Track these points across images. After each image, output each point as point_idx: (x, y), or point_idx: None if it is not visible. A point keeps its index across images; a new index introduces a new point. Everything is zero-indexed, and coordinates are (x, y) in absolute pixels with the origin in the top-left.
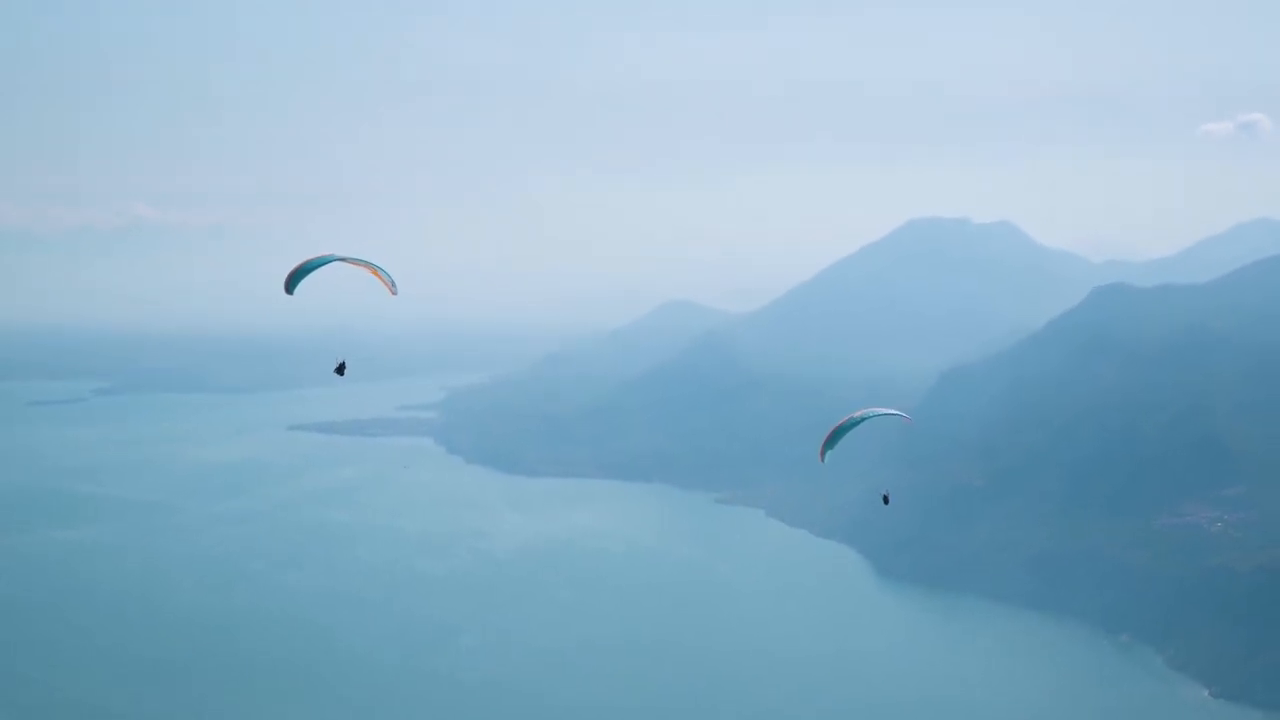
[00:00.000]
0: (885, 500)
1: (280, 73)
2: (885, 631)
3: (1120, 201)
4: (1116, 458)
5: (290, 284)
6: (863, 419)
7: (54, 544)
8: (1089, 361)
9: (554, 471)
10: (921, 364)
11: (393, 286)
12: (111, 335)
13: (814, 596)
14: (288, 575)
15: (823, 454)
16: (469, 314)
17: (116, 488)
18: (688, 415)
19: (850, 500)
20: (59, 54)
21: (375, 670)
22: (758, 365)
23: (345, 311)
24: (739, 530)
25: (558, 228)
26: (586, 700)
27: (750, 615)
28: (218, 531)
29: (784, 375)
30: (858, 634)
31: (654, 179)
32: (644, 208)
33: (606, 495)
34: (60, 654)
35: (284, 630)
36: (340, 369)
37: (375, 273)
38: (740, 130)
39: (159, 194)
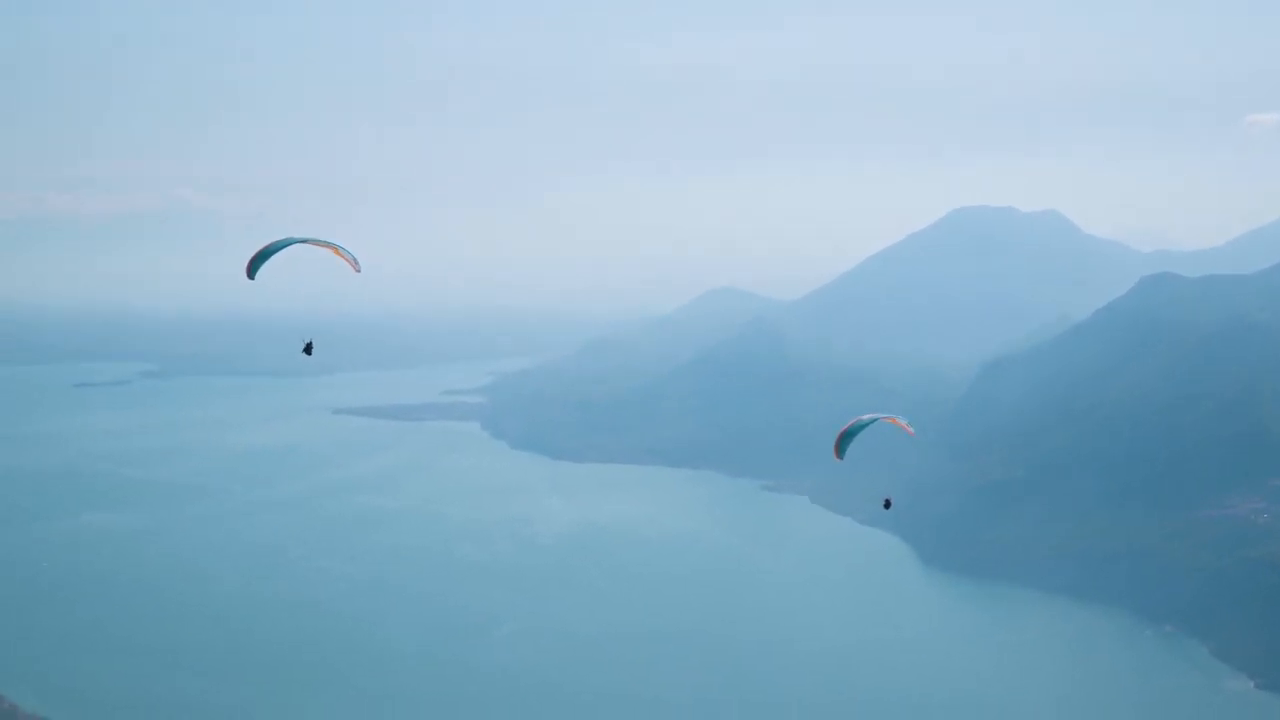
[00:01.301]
0: (887, 505)
1: (323, 66)
2: (928, 620)
3: (1167, 192)
4: (1161, 448)
5: (252, 268)
6: (871, 422)
7: (96, 528)
8: (1134, 351)
9: (599, 457)
10: (966, 353)
11: (355, 264)
12: (158, 319)
13: (856, 584)
14: (329, 561)
15: (838, 452)
16: (516, 301)
17: (160, 471)
18: (733, 402)
19: (894, 488)
20: (109, 42)
21: (412, 658)
22: (803, 352)
23: (392, 297)
24: (783, 517)
25: (606, 216)
26: (622, 690)
27: (792, 603)
28: (259, 517)
29: (829, 363)
30: (900, 622)
31: (700, 168)
32: (691, 196)
33: (651, 481)
34: (100, 639)
35: (323, 617)
36: (308, 349)
37: (337, 251)
38: (788, 119)
39: (204, 180)
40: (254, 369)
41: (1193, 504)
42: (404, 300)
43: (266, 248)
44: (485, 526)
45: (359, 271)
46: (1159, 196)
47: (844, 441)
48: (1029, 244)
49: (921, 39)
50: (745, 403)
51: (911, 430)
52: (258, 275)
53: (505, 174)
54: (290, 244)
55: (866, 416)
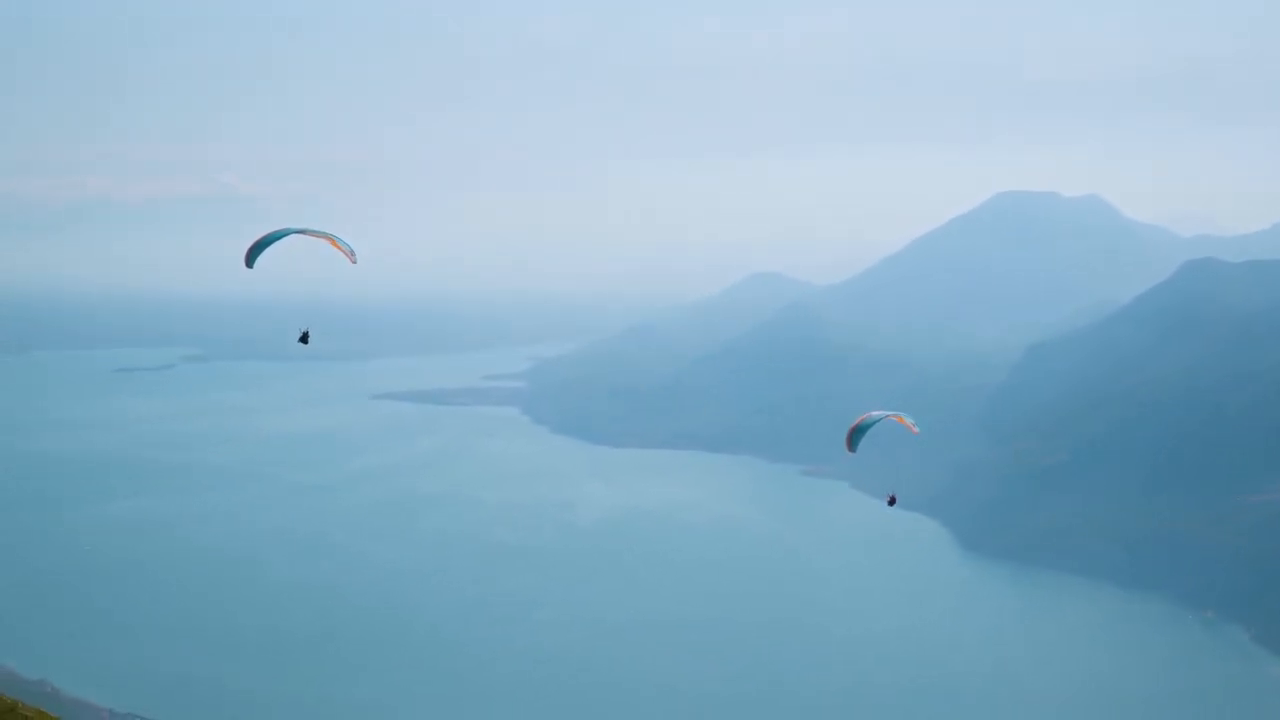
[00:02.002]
0: (891, 501)
1: (367, 50)
2: (967, 605)
3: (1210, 176)
4: (1202, 433)
5: (250, 258)
6: (880, 419)
7: (137, 512)
8: (1176, 336)
9: (639, 442)
10: (1008, 337)
11: (352, 255)
12: (201, 303)
13: (896, 570)
14: (370, 545)
15: (850, 446)
16: (556, 286)
17: (201, 456)
18: (774, 387)
19: (935, 473)
20: (153, 25)
21: (451, 642)
22: (844, 337)
23: (432, 282)
24: (822, 502)
25: (648, 201)
26: (660, 675)
27: (831, 589)
28: (301, 501)
29: (870, 347)
30: (939, 608)
31: (744, 153)
32: (735, 181)
33: (691, 466)
34: (141, 623)
35: (363, 601)
36: (304, 338)
37: (334, 243)
38: (833, 103)
39: (247, 164)
40: (295, 354)
41: (1234, 489)
42: (444, 285)
43: (264, 238)
44: (525, 511)
45: (355, 263)
46: (1202, 181)
47: (855, 436)
48: (1071, 229)
49: (967, 23)
50: (785, 388)
51: (916, 429)
52: (255, 264)
53: (547, 159)
54: (288, 234)
55: (876, 413)
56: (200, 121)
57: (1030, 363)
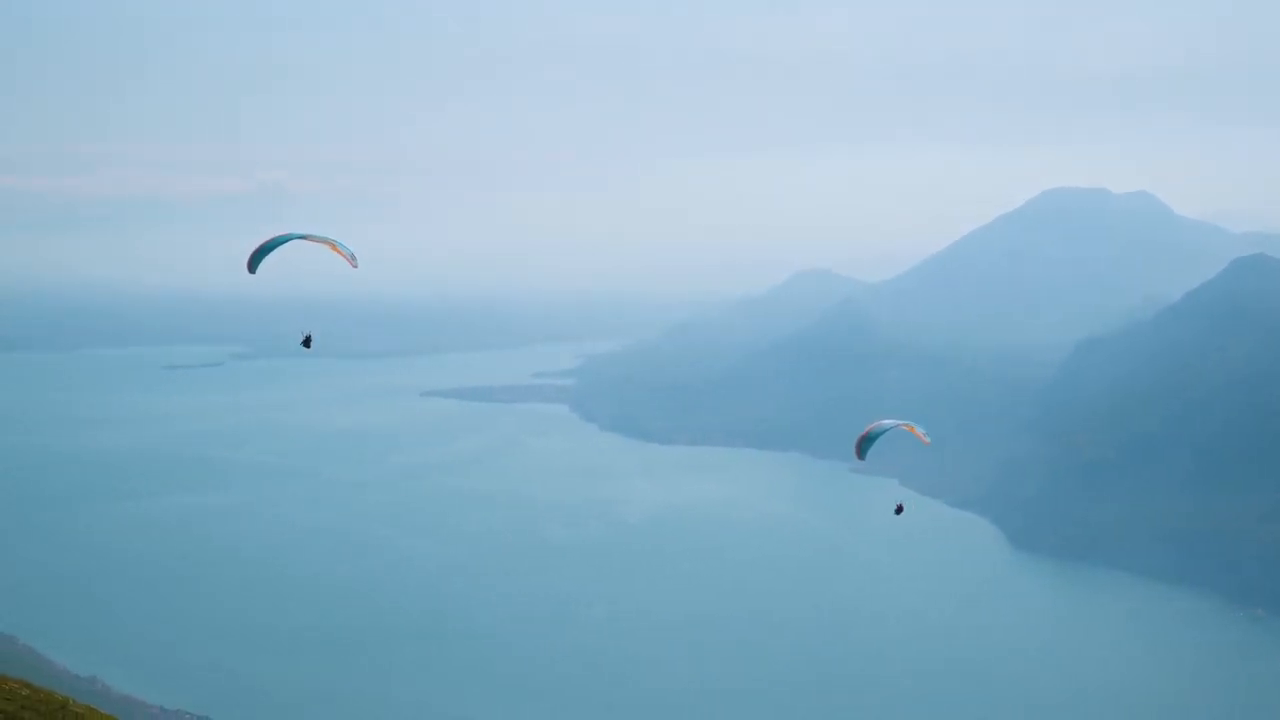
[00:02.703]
0: (898, 510)
1: (413, 47)
2: (1016, 603)
3: (1261, 172)
4: (1252, 431)
5: (253, 263)
6: (891, 428)
7: (186, 509)
8: (1227, 333)
9: (687, 439)
10: (1056, 335)
11: (353, 260)
12: (249, 301)
13: (945, 567)
14: (418, 542)
15: (860, 453)
16: (605, 283)
17: (249, 453)
18: (822, 383)
19: (984, 470)
20: (202, 25)
21: (500, 640)
22: (892, 334)
23: (485, 281)
24: (871, 500)
25: (697, 198)
26: (711, 673)
27: (880, 587)
28: (347, 498)
29: (918, 344)
30: (987, 606)
31: (793, 149)
32: (784, 177)
33: (740, 464)
34: (188, 619)
35: (411, 598)
36: (306, 341)
37: (334, 248)
38: (882, 100)
39: (295, 161)
40: (343, 351)
41: None
42: (492, 282)
43: (266, 244)
44: (573, 508)
45: (356, 267)
46: (1253, 177)
47: (865, 445)
48: (1120, 226)
49: (1015, 18)
50: (833, 385)
51: (927, 440)
52: (258, 269)
53: (596, 155)
54: (290, 239)
55: (887, 422)
56: (248, 119)
57: (1079, 359)
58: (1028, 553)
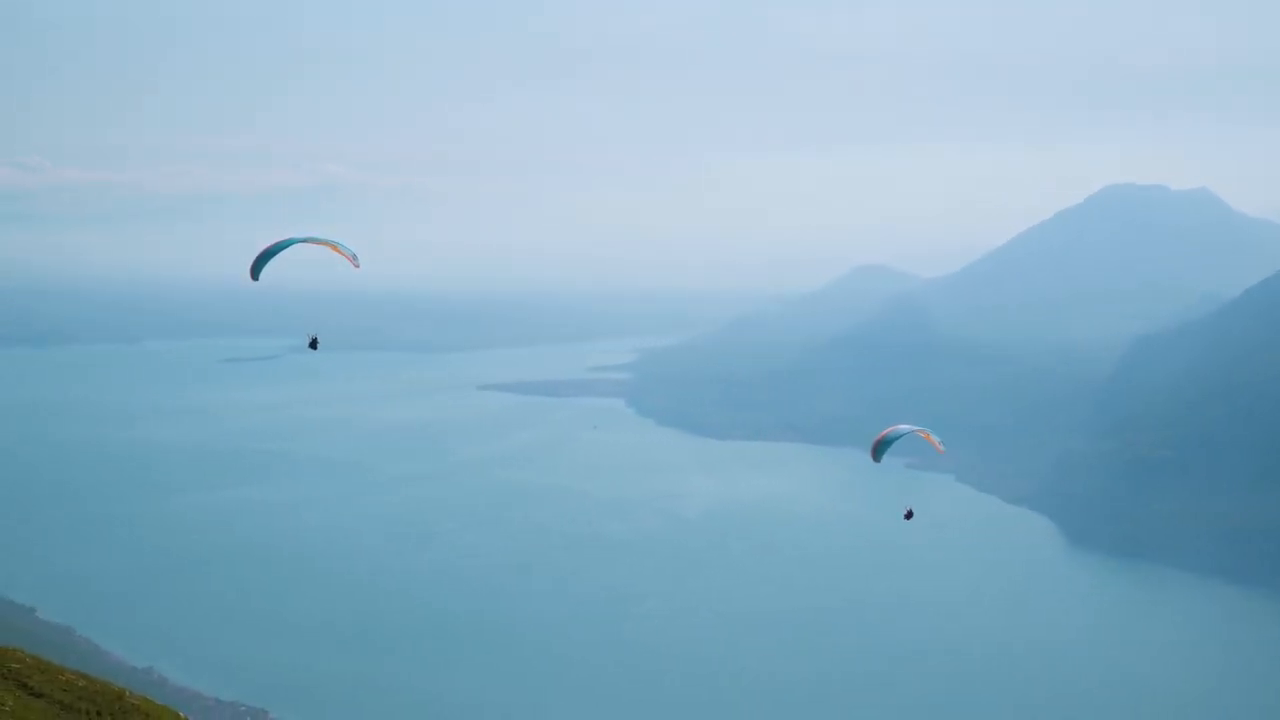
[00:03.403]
0: (908, 515)
1: (470, 42)
2: (1072, 600)
3: None
4: None
5: (255, 270)
6: (907, 433)
7: (242, 502)
8: None
9: (743, 434)
10: (1114, 331)
11: (355, 260)
12: (308, 294)
13: (1001, 564)
14: (473, 536)
15: (875, 456)
16: (662, 277)
17: (306, 446)
18: (879, 379)
19: (1041, 466)
20: (260, 21)
21: (557, 633)
22: (949, 330)
23: (537, 274)
24: (927, 496)
25: (755, 193)
26: (768, 667)
27: (935, 583)
28: (404, 491)
29: (975, 340)
30: (1046, 602)
31: (845, 145)
32: (843, 173)
33: (795, 459)
34: (247, 612)
35: (469, 592)
36: (313, 344)
37: (336, 249)
38: (941, 94)
39: (353, 155)
40: (400, 344)
41: None
42: (549, 277)
43: (268, 249)
44: (629, 503)
45: (359, 268)
46: None
47: (880, 448)
48: (1179, 222)
49: (1078, 13)
50: (890, 380)
51: (942, 449)
52: (260, 275)
53: (653, 150)
54: (292, 244)
55: (904, 427)
56: (303, 112)
57: (1138, 356)
58: (1083, 549)
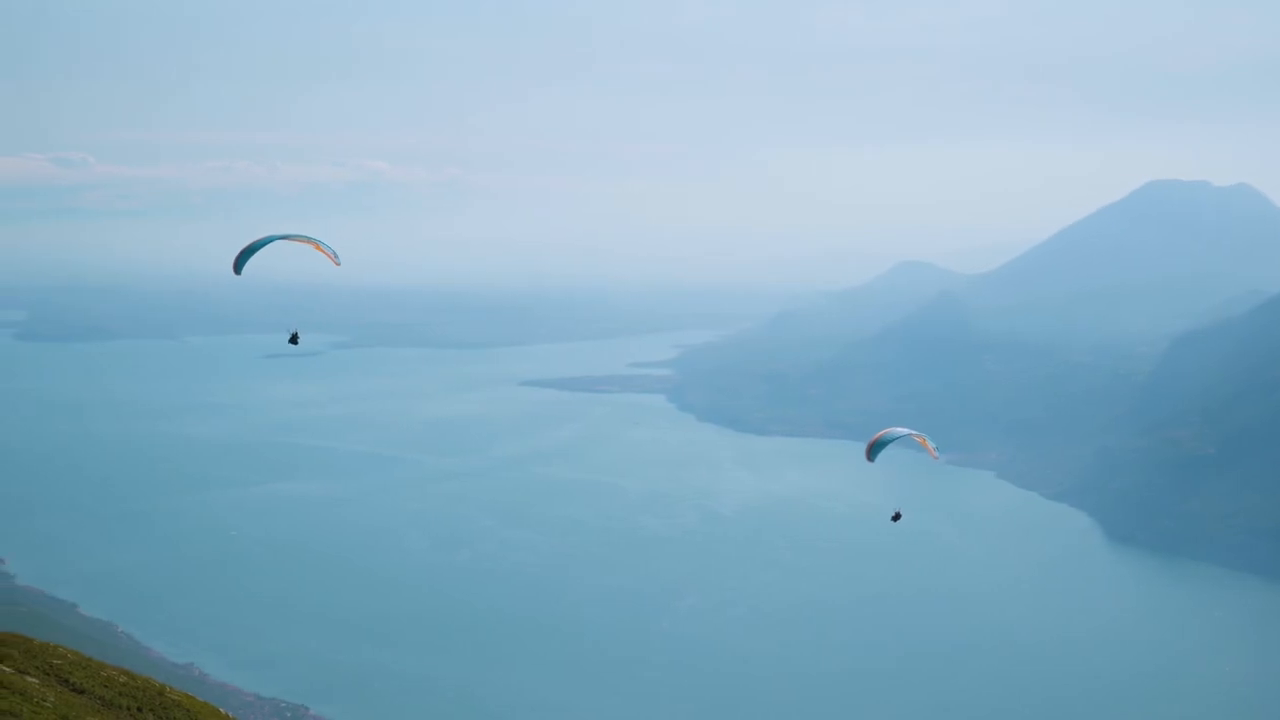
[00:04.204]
0: (896, 518)
1: (509, 35)
2: (1114, 596)
3: None
4: None
5: (238, 265)
6: (902, 436)
7: (284, 497)
8: None
9: (783, 430)
10: (1155, 327)
11: (335, 258)
12: (348, 290)
13: (1042, 559)
14: (513, 531)
15: (869, 456)
16: (704, 273)
17: (347, 441)
18: (919, 375)
19: (1081, 462)
20: (304, 17)
21: (598, 629)
22: (990, 326)
23: (580, 273)
24: (967, 492)
25: (791, 190)
26: (807, 662)
27: (976, 578)
28: (444, 486)
29: (1016, 336)
30: (1086, 598)
31: (885, 141)
32: (885, 169)
33: (835, 455)
34: (288, 608)
35: (507, 587)
36: (293, 339)
37: (318, 247)
38: (979, 94)
39: (395, 151)
40: (442, 340)
41: None
42: (591, 271)
43: (250, 245)
44: (670, 499)
45: (339, 265)
46: None
47: (874, 450)
48: (1221, 218)
49: (1120, 10)
50: (933, 376)
51: (937, 455)
52: (243, 271)
53: (694, 146)
54: (273, 240)
55: (900, 430)
56: (347, 108)
57: (1180, 352)
58: (1123, 545)
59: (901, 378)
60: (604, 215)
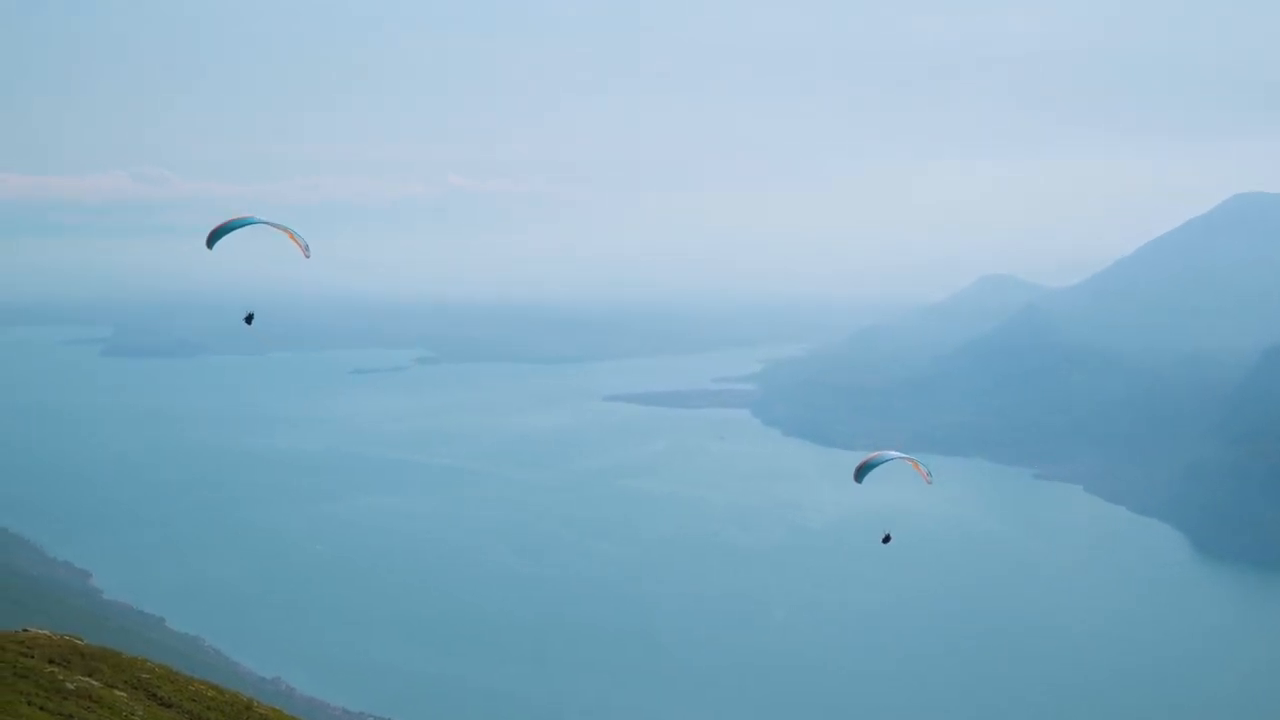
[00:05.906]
0: (886, 540)
1: (585, 47)
2: (1202, 610)
3: None
4: None
5: (211, 240)
6: (893, 459)
7: (368, 510)
8: None
9: (869, 444)
10: (1244, 340)
11: (306, 250)
12: (434, 304)
13: (1129, 574)
14: (599, 544)
15: (857, 477)
16: (785, 287)
17: (432, 455)
18: (1005, 389)
19: (1170, 476)
20: (389, 31)
21: (686, 641)
22: (1077, 339)
23: (663, 284)
24: (1055, 507)
25: (879, 201)
26: (897, 673)
27: (1062, 592)
28: (530, 500)
29: (1103, 349)
30: (1173, 612)
31: (966, 152)
32: (970, 180)
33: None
34: (372, 620)
35: (593, 600)
36: (248, 319)
37: (291, 236)
38: (1063, 102)
39: (473, 165)
40: (526, 355)
41: None
42: (675, 287)
43: (228, 223)
44: (756, 513)
45: (309, 257)
46: None
47: (862, 472)
48: None
49: (1205, 17)
50: (1017, 390)
51: (929, 479)
52: (215, 247)
53: (777, 157)
54: (252, 223)
55: (891, 454)
56: (434, 121)
57: (1268, 365)
58: (1212, 560)
59: (987, 392)
60: (687, 228)
